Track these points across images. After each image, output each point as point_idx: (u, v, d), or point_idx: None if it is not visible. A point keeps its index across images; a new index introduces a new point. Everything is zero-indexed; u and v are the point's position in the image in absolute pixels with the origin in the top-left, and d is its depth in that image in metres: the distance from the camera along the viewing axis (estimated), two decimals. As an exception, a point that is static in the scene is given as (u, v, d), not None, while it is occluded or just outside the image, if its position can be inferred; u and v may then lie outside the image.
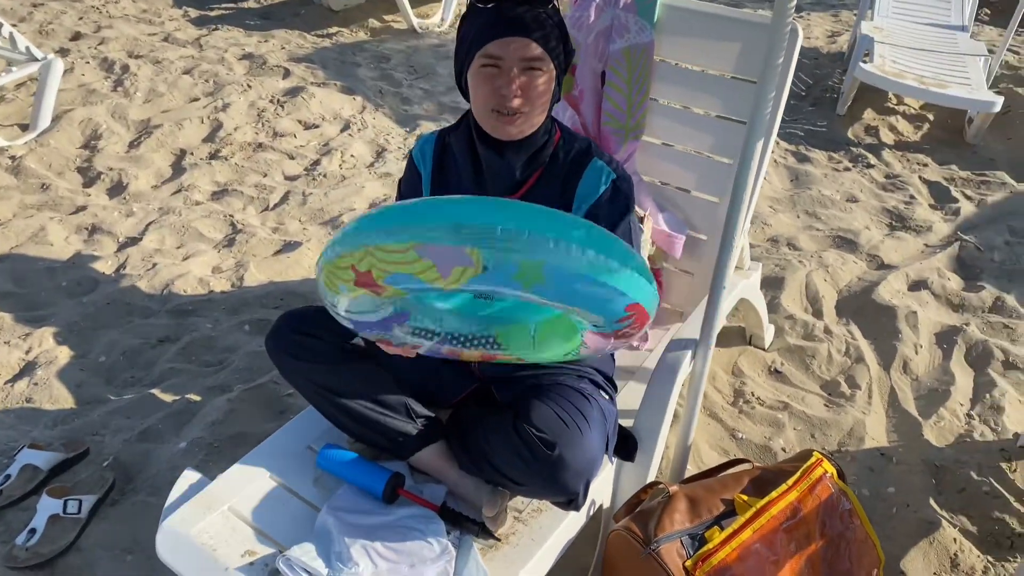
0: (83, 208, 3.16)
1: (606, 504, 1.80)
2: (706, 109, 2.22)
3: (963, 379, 2.50)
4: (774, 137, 2.15)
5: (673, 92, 2.25)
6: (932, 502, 2.06)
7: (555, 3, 1.48)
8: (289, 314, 1.70)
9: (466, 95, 1.56)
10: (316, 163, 3.61)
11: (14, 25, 4.85)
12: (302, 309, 1.72)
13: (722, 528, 1.62)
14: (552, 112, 1.59)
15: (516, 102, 1.45)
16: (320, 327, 1.64)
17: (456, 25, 5.48)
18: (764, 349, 2.61)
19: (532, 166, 1.58)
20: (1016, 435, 2.27)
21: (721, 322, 1.92)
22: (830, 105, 4.63)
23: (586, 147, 1.62)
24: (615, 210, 1.59)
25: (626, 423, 1.79)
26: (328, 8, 5.66)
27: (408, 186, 1.73)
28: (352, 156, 3.69)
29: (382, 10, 5.69)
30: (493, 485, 1.58)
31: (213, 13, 5.59)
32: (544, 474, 1.47)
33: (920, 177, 3.88)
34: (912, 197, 3.66)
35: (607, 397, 1.71)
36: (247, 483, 1.66)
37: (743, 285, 2.24)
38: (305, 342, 1.64)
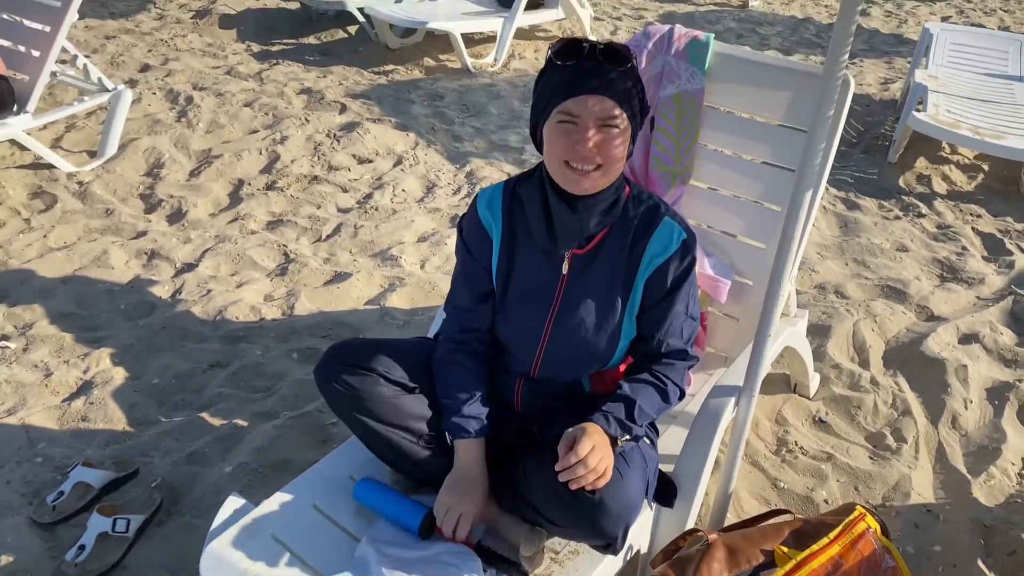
0: (144, 233, 3.28)
1: (643, 550, 1.79)
2: (755, 156, 2.24)
3: (1015, 437, 2.44)
4: (823, 185, 2.15)
5: (722, 139, 2.28)
6: (980, 564, 2.01)
7: (634, 62, 1.48)
8: (337, 346, 1.74)
9: (539, 148, 1.57)
10: (368, 196, 3.70)
11: (87, 56, 5.07)
12: (350, 341, 1.76)
13: (761, 579, 1.61)
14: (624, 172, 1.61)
15: (592, 156, 1.46)
16: (367, 360, 1.68)
17: (507, 65, 5.59)
18: (809, 398, 2.58)
19: (603, 221, 1.58)
20: (1070, 498, 2.21)
21: (766, 369, 1.91)
22: (881, 153, 4.60)
23: (655, 204, 1.63)
24: (683, 269, 1.61)
25: (666, 468, 1.79)
26: (385, 46, 5.82)
27: (475, 248, 1.68)
28: (403, 191, 3.77)
29: (437, 49, 5.83)
30: (531, 524, 1.59)
31: (275, 48, 5.78)
32: (583, 517, 1.47)
33: (973, 228, 3.82)
34: (964, 248, 3.61)
35: (648, 442, 1.71)
36: (290, 510, 1.69)
37: (789, 332, 2.23)
38: (352, 374, 1.67)
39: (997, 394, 2.62)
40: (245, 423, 2.33)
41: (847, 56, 1.48)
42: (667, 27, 2.30)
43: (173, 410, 2.38)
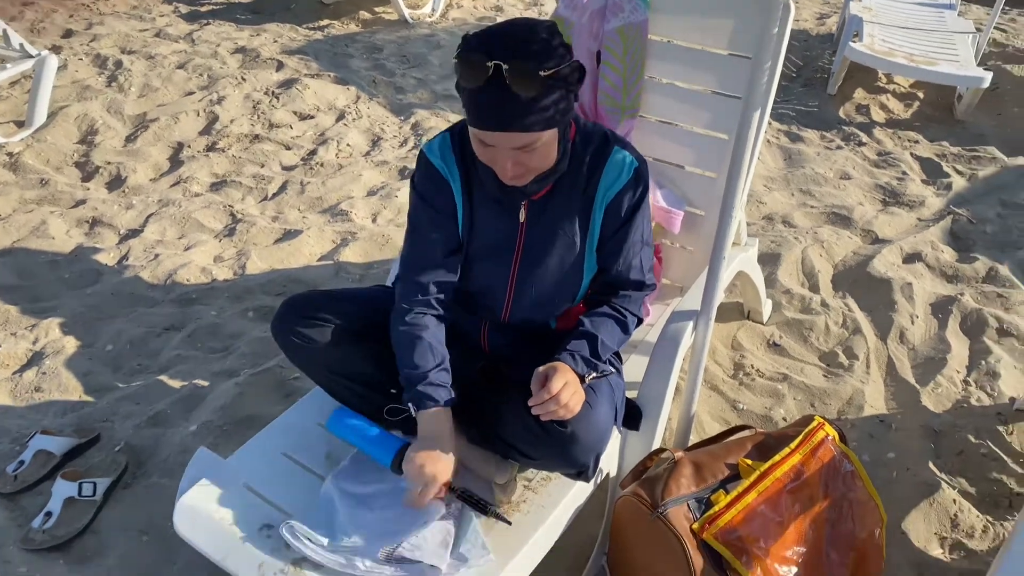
0: (83, 202, 3.18)
1: (613, 473, 1.83)
2: (701, 86, 2.25)
3: (959, 347, 2.54)
4: (768, 113, 2.18)
5: (668, 70, 2.28)
6: (931, 466, 2.10)
7: (549, 68, 1.29)
8: (292, 298, 1.72)
9: None
10: (313, 153, 3.63)
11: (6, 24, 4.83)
12: (305, 293, 1.73)
13: (727, 491, 1.66)
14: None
15: (512, 175, 1.42)
16: (323, 310, 1.66)
17: (445, 15, 5.48)
18: (763, 323, 2.64)
19: (551, 174, 1.52)
20: (1012, 399, 2.31)
21: (721, 293, 1.95)
22: (821, 85, 4.67)
23: (604, 135, 1.59)
24: (637, 197, 1.59)
25: (630, 395, 1.82)
26: (319, 1, 5.67)
27: (438, 201, 1.59)
28: (348, 145, 3.71)
29: (373, 2, 5.70)
30: (502, 457, 1.61)
31: (203, 8, 5.59)
32: (556, 449, 1.50)
33: (912, 154, 3.92)
34: (904, 173, 3.70)
35: (614, 370, 1.74)
36: (260, 460, 1.69)
37: (741, 258, 2.27)
38: (309, 325, 1.66)
39: (941, 308, 2.72)
40: (206, 383, 2.30)
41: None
42: (607, -41, 2.28)
43: (130, 375, 2.34)
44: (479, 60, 1.28)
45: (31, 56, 3.76)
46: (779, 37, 2.03)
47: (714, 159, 2.24)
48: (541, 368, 1.47)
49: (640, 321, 1.72)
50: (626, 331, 1.66)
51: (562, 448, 1.48)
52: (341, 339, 1.63)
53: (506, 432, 1.57)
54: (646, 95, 2.30)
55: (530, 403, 1.43)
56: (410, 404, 1.56)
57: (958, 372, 2.44)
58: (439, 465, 1.50)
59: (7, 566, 1.75)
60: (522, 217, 1.57)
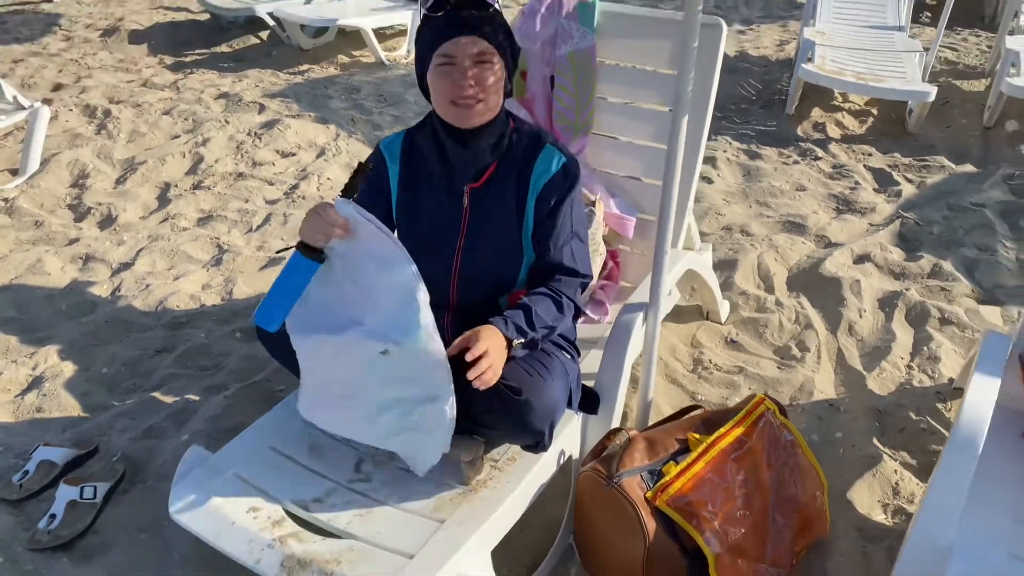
0: (76, 240, 3.34)
1: (575, 455, 1.98)
2: (647, 103, 2.45)
3: (903, 336, 2.72)
4: (707, 125, 2.37)
5: (616, 90, 2.48)
6: (875, 441, 2.26)
7: (496, 6, 1.69)
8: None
9: (428, 97, 1.77)
10: (295, 187, 3.82)
11: (-3, 80, 5.04)
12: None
13: (677, 463, 1.81)
14: (504, 106, 1.80)
15: (471, 91, 1.65)
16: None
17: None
18: (721, 323, 2.81)
19: (493, 155, 1.78)
20: (951, 379, 2.48)
21: (667, 286, 2.12)
22: (779, 106, 4.91)
23: (537, 134, 1.83)
24: (564, 187, 1.80)
25: (590, 383, 1.98)
26: (299, 47, 5.92)
27: (373, 177, 1.84)
28: (328, 179, 3.90)
29: (350, 46, 5.95)
30: (468, 434, 1.76)
31: (188, 59, 5.82)
32: (513, 416, 1.65)
33: (865, 165, 4.14)
34: (857, 183, 3.91)
35: (569, 356, 1.90)
36: (249, 452, 1.84)
37: (691, 257, 2.44)
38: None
39: (887, 302, 2.90)
40: (197, 397, 2.44)
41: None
42: (556, -9, 2.49)
43: (125, 394, 2.48)
44: None
45: (24, 108, 3.95)
46: (709, 54, 2.24)
47: (661, 169, 2.42)
48: (468, 332, 1.62)
49: (578, 309, 1.86)
50: (560, 310, 1.79)
51: (517, 414, 1.63)
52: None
53: (468, 403, 1.70)
54: (597, 114, 2.50)
55: (449, 352, 1.59)
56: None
57: (902, 358, 2.61)
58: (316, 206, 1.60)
59: (15, 565, 1.88)
60: (465, 202, 1.77)
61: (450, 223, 1.80)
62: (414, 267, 1.56)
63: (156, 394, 2.46)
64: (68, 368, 2.57)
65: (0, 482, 2.09)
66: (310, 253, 1.59)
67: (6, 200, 3.62)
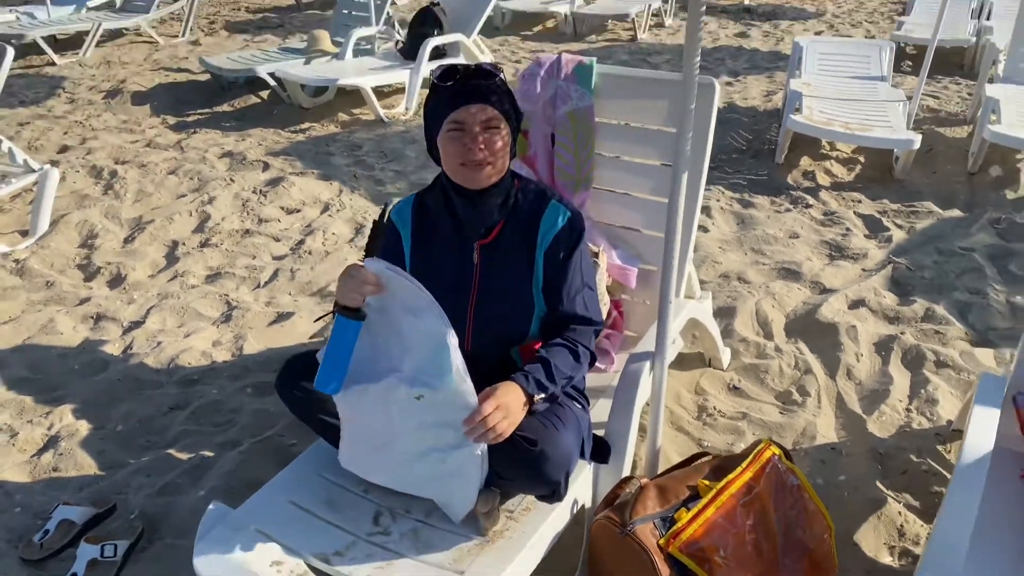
0: (87, 300, 3.41)
1: (588, 504, 2.03)
2: (644, 158, 2.55)
3: (900, 379, 2.78)
4: (704, 177, 2.46)
5: (615, 146, 2.59)
6: (878, 484, 2.31)
7: (502, 76, 1.80)
8: (292, 358, 1.96)
9: (437, 160, 1.86)
10: (300, 243, 3.90)
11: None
12: (303, 353, 1.97)
13: (688, 509, 1.86)
14: (511, 167, 1.89)
15: (481, 155, 1.75)
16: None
17: (419, 112, 5.85)
18: (723, 369, 2.87)
19: (500, 212, 1.87)
20: (949, 422, 2.54)
21: (672, 334, 2.19)
22: (769, 156, 5.04)
23: (542, 191, 1.93)
24: (572, 240, 1.89)
25: (599, 433, 2.04)
26: (299, 106, 6.06)
27: (387, 244, 1.93)
28: (334, 234, 3.99)
29: (350, 104, 6.10)
30: (485, 486, 1.81)
31: (190, 119, 5.96)
32: (529, 467, 1.71)
33: (855, 212, 4.25)
34: (848, 230, 4.01)
35: (580, 406, 1.97)
36: (269, 507, 1.88)
37: (693, 306, 2.52)
38: (309, 380, 1.88)
39: (883, 346, 2.97)
40: (211, 453, 2.48)
41: (698, 60, 1.79)
42: (555, 56, 2.61)
43: (140, 451, 2.52)
44: (452, 67, 1.77)
45: (34, 170, 4.04)
46: (704, 111, 2.34)
47: (660, 220, 2.49)
48: (487, 389, 1.69)
49: (593, 357, 1.94)
50: (578, 359, 1.87)
51: (533, 465, 1.69)
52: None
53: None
54: (597, 169, 2.59)
55: (463, 422, 1.65)
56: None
57: (900, 401, 2.67)
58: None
59: (37, 625, 1.91)
60: (476, 259, 1.85)
61: (462, 279, 1.87)
62: (443, 314, 1.63)
63: (171, 451, 2.50)
64: (83, 427, 2.61)
65: (21, 542, 2.12)
66: (350, 314, 1.66)
67: (17, 261, 3.69)
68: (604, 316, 2.52)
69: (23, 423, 2.63)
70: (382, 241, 1.71)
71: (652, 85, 2.51)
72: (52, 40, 8.04)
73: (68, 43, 8.32)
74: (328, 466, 1.99)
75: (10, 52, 3.70)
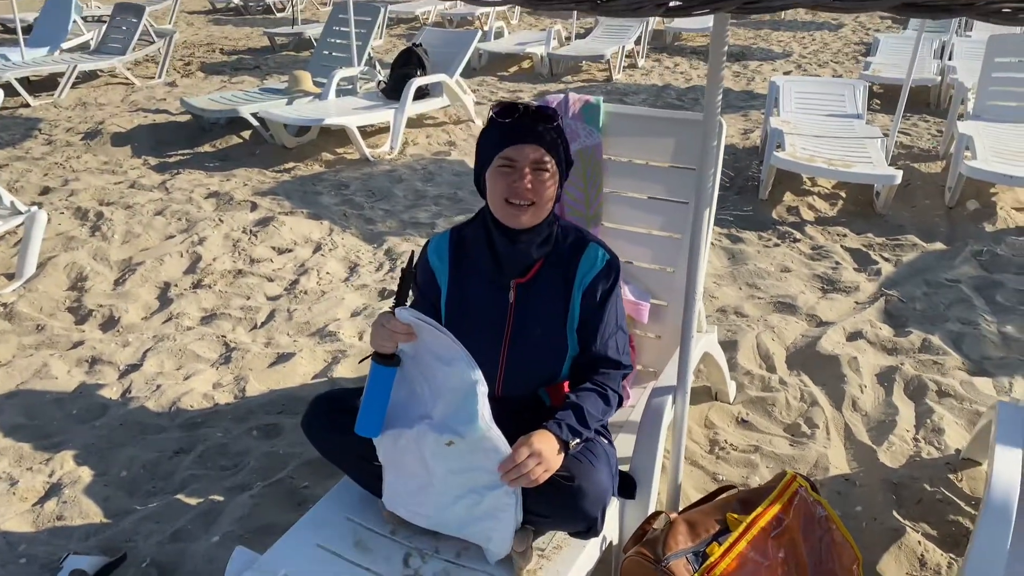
0: (80, 343, 3.34)
1: (615, 540, 2.01)
2: (652, 195, 2.58)
3: (905, 410, 2.82)
4: (713, 213, 2.51)
5: (623, 183, 2.62)
6: (895, 514, 2.33)
7: (559, 121, 1.81)
8: (318, 397, 1.93)
9: (482, 193, 1.87)
10: (295, 283, 3.87)
11: (-16, 185, 5.07)
12: (329, 392, 1.95)
13: (720, 543, 1.85)
14: (554, 210, 1.90)
15: (528, 194, 1.75)
16: (347, 405, 1.87)
17: (404, 150, 5.88)
18: (730, 403, 2.89)
19: (540, 251, 1.87)
20: (957, 451, 2.58)
21: (693, 369, 2.20)
22: (753, 192, 5.13)
23: (581, 232, 1.95)
24: (609, 282, 1.91)
25: (623, 468, 2.03)
26: (282, 146, 6.06)
27: (423, 282, 1.95)
28: (328, 273, 3.96)
29: (333, 143, 6.11)
30: (520, 525, 1.79)
31: (172, 159, 5.92)
32: (567, 504, 1.70)
33: (842, 246, 4.33)
34: (837, 263, 4.09)
35: (607, 441, 1.96)
36: (296, 552, 1.84)
37: (707, 340, 2.54)
38: (336, 420, 1.86)
39: (885, 377, 3.01)
40: (221, 498, 2.43)
41: (720, 99, 1.83)
42: (562, 95, 2.65)
43: (147, 497, 2.46)
44: (512, 104, 1.79)
45: (20, 212, 3.98)
46: (717, 149, 2.38)
47: (670, 256, 2.55)
48: (522, 438, 1.69)
49: (621, 400, 1.95)
50: (608, 403, 1.88)
51: (572, 501, 1.68)
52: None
53: (521, 493, 1.75)
54: (607, 206, 2.62)
55: (498, 467, 1.65)
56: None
57: (908, 431, 2.70)
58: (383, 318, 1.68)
59: None
60: (511, 298, 1.84)
61: (497, 317, 1.86)
62: (473, 362, 1.63)
63: (179, 496, 2.44)
64: (85, 473, 2.54)
65: (30, 595, 2.05)
66: (385, 360, 1.69)
67: (5, 305, 3.61)
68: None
69: (22, 471, 2.55)
70: (410, 288, 1.71)
71: (660, 123, 2.55)
72: (26, 82, 7.97)
73: (42, 84, 8.26)
74: (353, 507, 1.96)
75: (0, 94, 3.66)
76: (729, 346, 3.22)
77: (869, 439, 2.68)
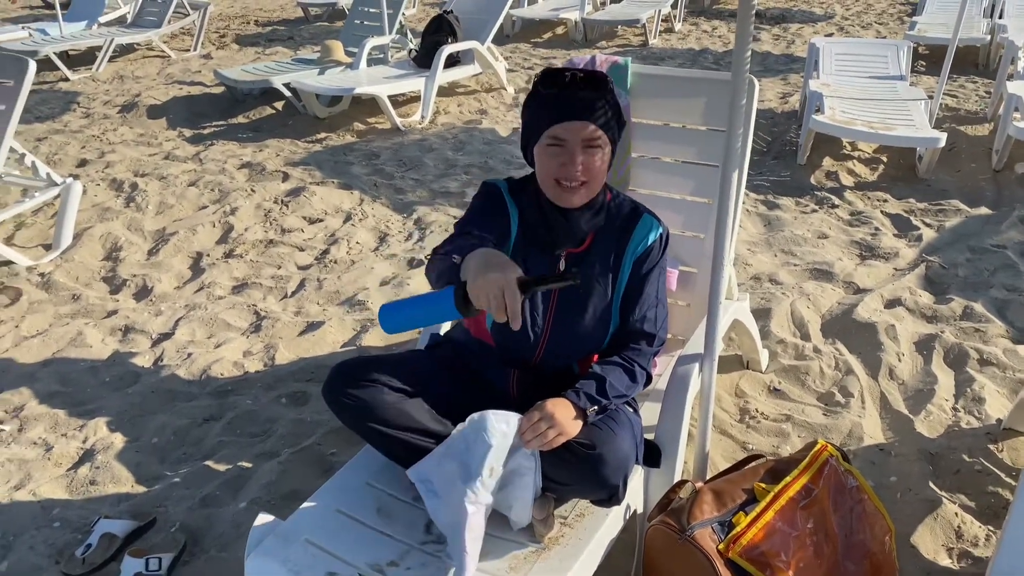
0: (114, 312, 3.38)
1: (640, 509, 1.99)
2: (681, 158, 2.52)
3: (945, 379, 2.74)
4: (744, 178, 2.44)
5: (652, 147, 2.56)
6: (932, 485, 2.26)
7: (611, 87, 1.71)
8: (340, 364, 1.91)
9: (530, 163, 1.80)
10: (325, 252, 3.87)
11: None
12: (351, 359, 1.92)
13: (746, 513, 1.81)
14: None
15: (579, 176, 1.68)
16: (369, 373, 1.85)
17: (434, 120, 5.83)
18: (762, 372, 2.83)
19: (592, 223, 1.81)
20: (999, 420, 2.49)
21: (720, 336, 2.15)
22: (791, 157, 5.00)
23: (633, 204, 1.89)
24: (659, 254, 1.86)
25: (648, 437, 2.00)
26: (315, 116, 6.05)
27: (492, 215, 1.81)
28: (358, 243, 3.96)
29: (365, 113, 6.09)
30: (541, 491, 1.77)
31: (206, 131, 5.95)
32: (587, 471, 1.67)
33: (882, 211, 4.21)
34: (877, 229, 3.97)
35: (631, 409, 1.93)
36: (317, 517, 1.84)
37: (736, 307, 2.48)
38: (357, 387, 1.84)
39: (924, 345, 2.93)
40: (249, 464, 2.45)
41: (749, 55, 1.76)
42: (588, 56, 2.59)
43: (177, 463, 2.49)
44: (558, 71, 1.67)
45: (57, 184, 4.03)
46: (748, 109, 2.31)
47: (700, 221, 2.49)
48: (538, 403, 1.67)
49: (649, 377, 1.90)
50: (634, 379, 1.84)
51: (592, 469, 1.65)
52: (387, 397, 1.81)
53: (541, 460, 1.73)
54: (635, 170, 2.56)
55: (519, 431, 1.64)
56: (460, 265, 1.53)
57: (946, 400, 2.62)
58: (504, 266, 1.43)
59: (84, 641, 1.87)
60: (562, 266, 1.80)
61: None
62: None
63: (208, 463, 2.47)
64: (118, 439, 2.58)
65: (62, 557, 2.09)
66: (463, 305, 1.48)
67: (42, 275, 3.67)
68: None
69: (57, 437, 2.60)
70: (549, 287, 1.51)
71: (689, 84, 2.48)
72: (64, 56, 8.05)
73: (80, 58, 8.35)
74: (375, 474, 1.96)
75: (32, 65, 3.69)
76: (762, 314, 3.15)
77: (906, 408, 2.61)
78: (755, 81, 2.34)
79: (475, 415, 1.69)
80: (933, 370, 2.78)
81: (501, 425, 1.66)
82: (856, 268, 3.56)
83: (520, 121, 1.78)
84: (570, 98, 1.65)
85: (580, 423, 1.69)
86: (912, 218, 4.09)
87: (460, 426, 1.72)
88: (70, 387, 2.89)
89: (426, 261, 1.75)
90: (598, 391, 1.75)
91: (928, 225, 4.00)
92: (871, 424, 2.54)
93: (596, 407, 1.74)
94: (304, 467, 2.41)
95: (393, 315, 1.59)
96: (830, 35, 8.97)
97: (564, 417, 1.66)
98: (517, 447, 1.68)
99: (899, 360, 2.84)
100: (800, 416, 2.59)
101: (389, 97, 5.79)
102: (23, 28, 8.49)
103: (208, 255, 3.88)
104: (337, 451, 2.47)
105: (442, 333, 2.21)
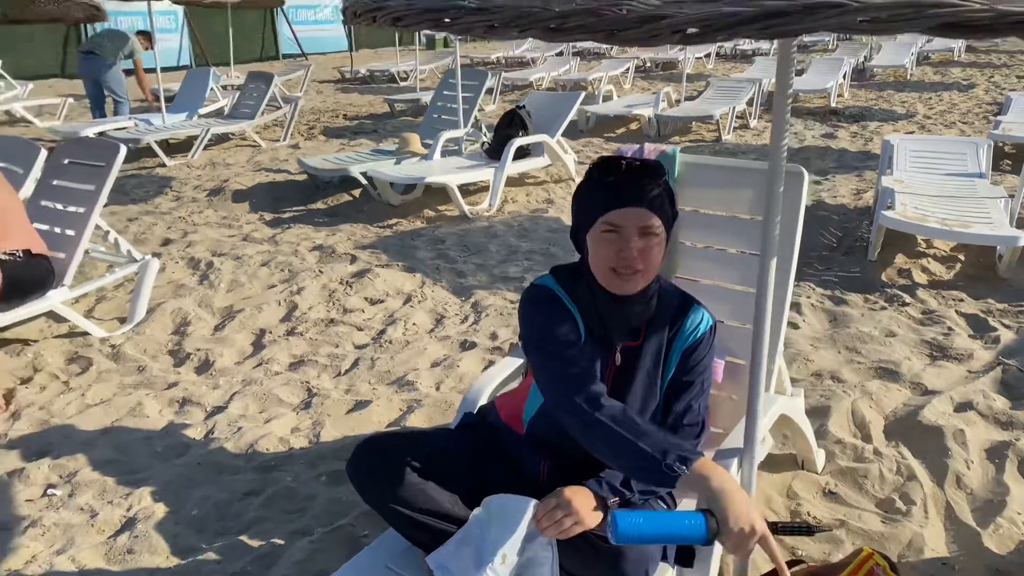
0: (174, 384, 3.48)
1: (672, 612, 1.88)
2: (728, 247, 2.48)
3: (1018, 490, 2.54)
4: (794, 264, 2.37)
5: (698, 235, 2.53)
6: (999, 605, 2.08)
7: (665, 176, 1.72)
8: (365, 441, 1.91)
9: (580, 249, 1.80)
10: (382, 332, 3.93)
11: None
12: (376, 435, 1.92)
13: (783, 620, 1.69)
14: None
15: (636, 264, 1.67)
16: (394, 450, 1.84)
17: (502, 208, 5.95)
18: (817, 472, 2.69)
19: (645, 313, 1.80)
20: (1078, 538, 2.29)
21: (762, 431, 2.06)
22: (861, 253, 4.88)
23: (680, 292, 1.88)
24: (708, 345, 1.85)
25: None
26: (388, 203, 6.26)
27: (563, 324, 1.76)
28: (414, 324, 4.01)
29: (436, 201, 6.26)
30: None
31: (286, 215, 6.21)
32: (605, 565, 1.60)
33: (956, 311, 4.02)
34: (950, 329, 3.79)
35: (664, 506, 1.86)
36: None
37: (783, 402, 2.38)
38: (381, 464, 1.83)
39: (996, 453, 2.74)
40: (282, 541, 2.44)
41: (785, 147, 1.74)
42: (637, 146, 2.61)
43: (213, 536, 2.50)
44: (615, 159, 1.70)
45: (136, 260, 4.25)
46: (793, 200, 2.27)
47: (747, 312, 2.42)
48: (558, 488, 1.61)
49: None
50: None
51: (611, 563, 1.58)
52: (410, 477, 1.79)
53: (562, 558, 1.67)
54: (682, 257, 2.54)
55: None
56: (677, 464, 1.54)
57: (1019, 514, 2.43)
58: (754, 510, 1.49)
59: None
60: (618, 360, 1.78)
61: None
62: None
63: (243, 537, 2.47)
64: (160, 510, 2.62)
65: (89, 624, 2.10)
66: (711, 535, 1.52)
67: (113, 346, 3.83)
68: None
69: (103, 504, 2.66)
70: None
71: (737, 174, 2.46)
72: (165, 144, 8.61)
73: (179, 146, 8.90)
74: (394, 557, 1.93)
75: (123, 150, 3.95)
76: (821, 412, 3.01)
77: (973, 520, 2.43)
78: (804, 171, 2.31)
79: (490, 498, 1.65)
80: (1005, 480, 2.58)
81: (516, 510, 1.62)
82: (925, 369, 3.39)
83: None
84: (627, 185, 1.66)
85: (599, 514, 1.63)
86: (989, 319, 3.90)
87: (476, 510, 1.69)
88: (123, 455, 2.96)
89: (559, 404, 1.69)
90: (622, 483, 1.70)
91: (1007, 327, 3.80)
92: (933, 535, 2.37)
93: (618, 499, 1.68)
94: (335, 547, 2.39)
95: (628, 526, 1.47)
96: (911, 133, 8.85)
97: (582, 505, 1.60)
98: (534, 535, 1.63)
99: (968, 467, 2.66)
100: (856, 522, 2.43)
101: (460, 186, 5.96)
102: (130, 119, 9.15)
103: (271, 332, 3.98)
104: (369, 533, 2.44)
105: (475, 411, 2.19)
